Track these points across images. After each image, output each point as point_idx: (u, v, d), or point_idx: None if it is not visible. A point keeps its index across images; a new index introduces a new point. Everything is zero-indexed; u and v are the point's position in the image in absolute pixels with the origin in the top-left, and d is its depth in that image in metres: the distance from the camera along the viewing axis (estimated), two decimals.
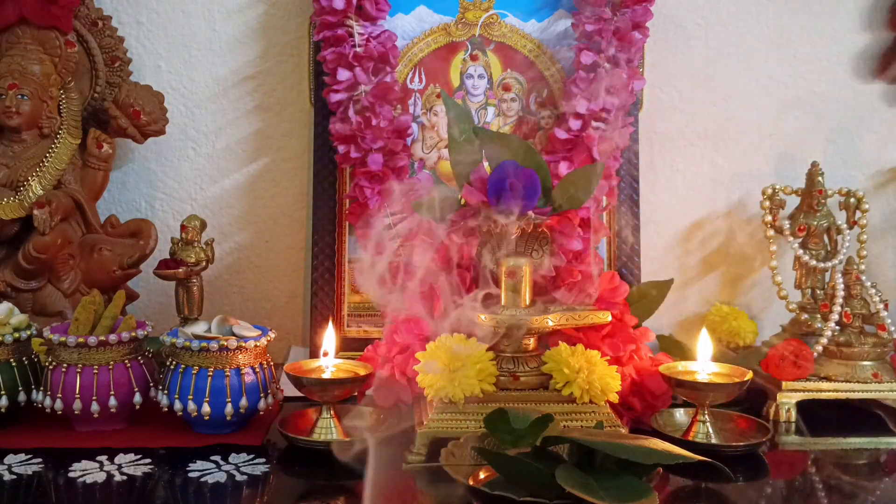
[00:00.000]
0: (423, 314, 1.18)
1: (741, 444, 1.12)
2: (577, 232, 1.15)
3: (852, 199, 1.43)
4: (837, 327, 1.29)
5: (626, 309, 1.20)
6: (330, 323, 1.23)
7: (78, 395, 1.14)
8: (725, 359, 1.26)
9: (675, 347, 1.36)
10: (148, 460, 1.08)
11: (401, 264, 1.23)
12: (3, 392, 1.15)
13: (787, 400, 1.26)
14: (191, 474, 1.04)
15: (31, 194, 1.34)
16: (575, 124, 1.35)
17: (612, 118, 1.36)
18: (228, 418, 1.14)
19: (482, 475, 0.99)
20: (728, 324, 1.46)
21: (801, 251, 1.41)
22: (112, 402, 1.15)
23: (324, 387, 1.13)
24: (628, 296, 1.22)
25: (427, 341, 1.14)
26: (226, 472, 1.05)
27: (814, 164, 1.43)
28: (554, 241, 1.15)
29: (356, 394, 1.19)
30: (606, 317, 1.12)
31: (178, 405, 1.15)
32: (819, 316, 1.36)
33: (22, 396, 1.18)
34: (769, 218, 1.42)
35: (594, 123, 1.35)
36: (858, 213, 1.42)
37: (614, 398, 1.10)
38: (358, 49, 1.34)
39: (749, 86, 1.56)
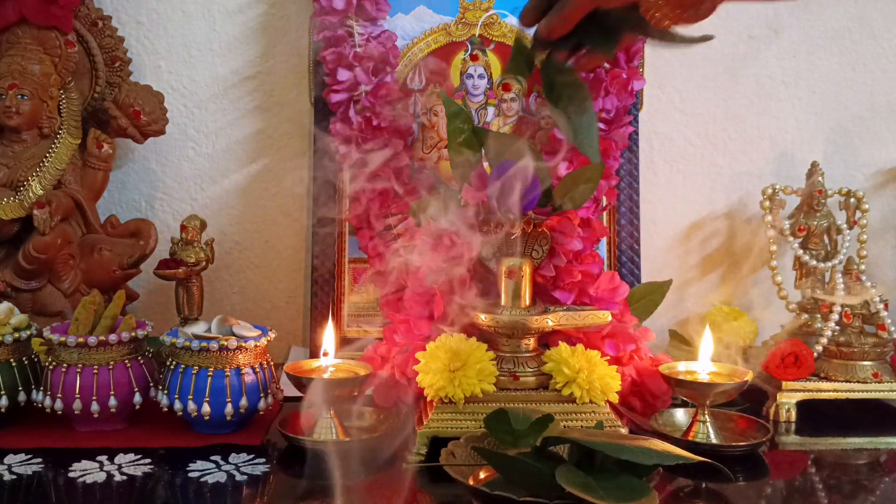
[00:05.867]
0: (423, 314, 1.18)
1: (741, 444, 1.12)
2: (577, 232, 1.15)
3: (852, 199, 1.43)
4: (837, 327, 1.29)
5: (626, 309, 1.20)
6: (330, 323, 1.22)
7: (78, 395, 1.14)
8: (725, 359, 1.25)
9: (684, 343, 1.35)
10: (148, 460, 1.08)
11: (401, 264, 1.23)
12: (3, 392, 1.15)
13: (787, 400, 1.26)
14: (191, 474, 1.04)
15: (31, 194, 1.34)
16: None
17: (612, 118, 1.36)
18: (228, 418, 1.15)
19: (482, 475, 0.99)
20: (728, 324, 1.46)
21: (801, 251, 1.41)
22: (112, 402, 1.15)
23: (324, 386, 1.13)
24: (628, 296, 1.22)
25: (427, 341, 1.13)
26: (226, 472, 1.05)
27: (814, 164, 1.43)
28: (554, 241, 1.15)
29: (356, 394, 1.18)
30: (606, 317, 1.12)
31: (178, 405, 1.15)
32: (819, 316, 1.36)
33: (22, 396, 1.17)
34: (769, 218, 1.42)
35: None
36: (858, 213, 1.43)
37: (614, 398, 1.10)
38: (358, 49, 1.34)
39: (749, 86, 1.56)
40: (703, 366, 1.17)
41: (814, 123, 1.57)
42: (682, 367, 1.18)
